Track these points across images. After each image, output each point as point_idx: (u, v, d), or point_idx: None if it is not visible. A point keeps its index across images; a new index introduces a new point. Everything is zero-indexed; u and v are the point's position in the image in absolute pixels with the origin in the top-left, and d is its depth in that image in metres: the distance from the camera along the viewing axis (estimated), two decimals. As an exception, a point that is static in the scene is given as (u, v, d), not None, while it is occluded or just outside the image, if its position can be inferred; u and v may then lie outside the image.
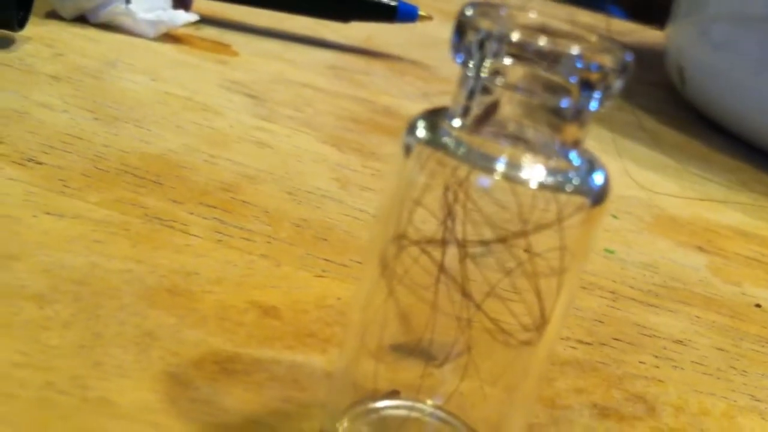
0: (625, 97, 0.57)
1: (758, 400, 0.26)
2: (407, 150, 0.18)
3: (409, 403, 0.21)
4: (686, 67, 0.55)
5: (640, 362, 0.27)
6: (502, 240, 0.18)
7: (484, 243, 0.18)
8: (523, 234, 0.17)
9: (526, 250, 0.18)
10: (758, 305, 0.33)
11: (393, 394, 0.21)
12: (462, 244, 0.19)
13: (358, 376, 0.21)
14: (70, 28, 0.42)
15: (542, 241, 0.18)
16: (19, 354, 0.20)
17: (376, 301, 0.19)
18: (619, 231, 0.36)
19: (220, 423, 0.19)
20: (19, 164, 0.28)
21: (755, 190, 0.46)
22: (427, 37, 0.59)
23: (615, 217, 0.37)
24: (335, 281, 0.26)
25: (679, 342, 0.28)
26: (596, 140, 0.44)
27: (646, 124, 0.53)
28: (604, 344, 0.27)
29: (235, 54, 0.45)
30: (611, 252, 0.34)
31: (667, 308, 0.30)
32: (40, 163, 0.28)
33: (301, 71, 0.45)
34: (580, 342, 0.27)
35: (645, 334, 0.28)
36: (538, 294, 0.18)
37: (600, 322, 0.28)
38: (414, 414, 0.21)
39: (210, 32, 0.47)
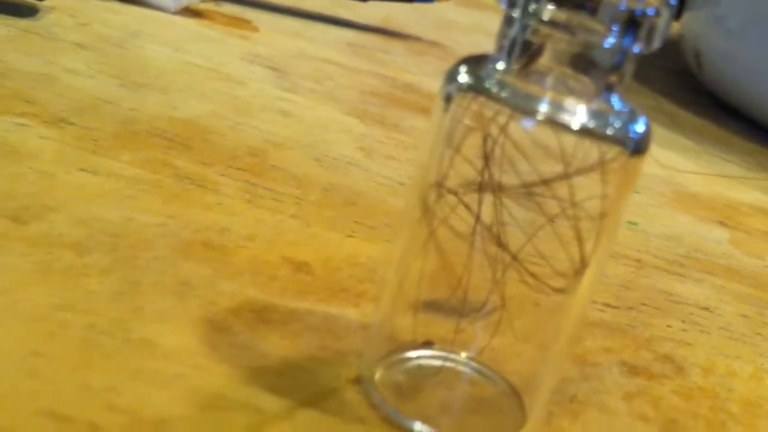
0: (642, 81, 0.57)
1: (785, 365, 0.26)
2: (447, 99, 0.18)
3: (443, 354, 0.21)
4: (703, 52, 0.55)
5: (668, 326, 0.27)
6: (542, 183, 0.18)
7: (522, 187, 0.18)
8: (564, 177, 0.17)
9: (564, 197, 0.18)
10: (781, 277, 0.33)
11: (427, 344, 0.21)
12: (498, 193, 0.19)
13: (393, 327, 0.21)
14: (92, 0, 0.42)
15: (580, 188, 0.18)
16: (60, 298, 0.20)
17: (415, 247, 0.20)
18: (641, 205, 0.36)
19: (260, 366, 0.19)
20: (51, 124, 0.28)
21: (773, 172, 0.46)
22: (444, 19, 0.59)
23: (637, 192, 0.37)
24: (365, 242, 0.27)
25: (705, 309, 0.29)
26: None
27: (664, 107, 0.53)
28: (631, 308, 0.27)
29: (255, 30, 0.45)
30: (634, 224, 0.34)
31: (691, 277, 0.31)
32: (71, 124, 0.29)
33: (322, 48, 0.45)
34: (608, 305, 0.27)
35: (671, 301, 0.28)
36: (578, 236, 0.18)
37: (626, 288, 0.28)
38: (448, 364, 0.21)
39: (230, 9, 0.47)
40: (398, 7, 0.55)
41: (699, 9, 0.56)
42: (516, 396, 0.20)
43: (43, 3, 0.39)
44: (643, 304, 0.28)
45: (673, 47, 0.62)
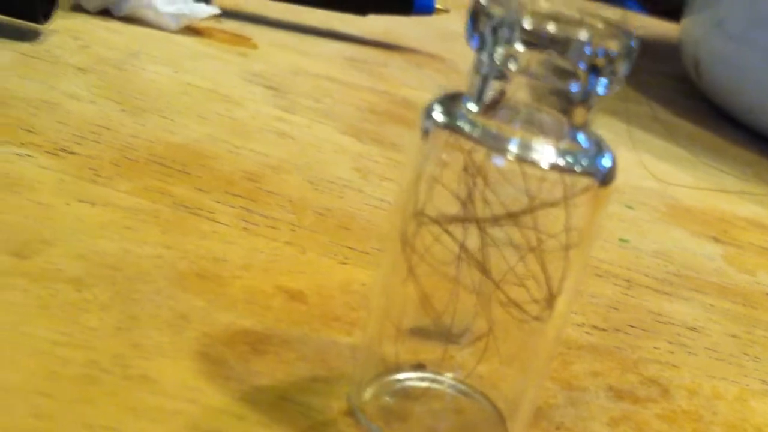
0: (640, 89, 0.57)
1: (770, 385, 0.27)
2: (425, 133, 0.19)
3: (430, 376, 0.22)
4: (702, 59, 0.55)
5: (655, 348, 0.27)
6: (513, 216, 0.18)
7: (496, 219, 0.19)
8: (532, 210, 0.18)
9: (535, 228, 0.19)
10: (771, 294, 0.33)
11: (419, 367, 0.22)
12: (480, 223, 0.19)
13: (381, 351, 0.22)
14: (95, 21, 0.43)
15: (552, 220, 0.19)
16: (59, 334, 0.21)
17: (397, 280, 0.20)
18: (633, 221, 0.37)
19: (253, 400, 0.20)
20: (52, 154, 0.29)
21: (769, 182, 0.46)
22: (444, 30, 0.60)
23: (630, 207, 0.38)
24: (358, 268, 0.27)
25: (693, 329, 0.29)
26: (611, 132, 0.44)
27: (660, 115, 0.53)
28: (618, 330, 0.28)
29: (254, 46, 0.46)
30: (626, 241, 0.34)
31: (681, 296, 0.31)
32: (72, 153, 0.29)
33: (320, 63, 0.46)
34: (595, 328, 0.28)
35: (659, 321, 0.29)
36: (544, 268, 0.19)
37: (615, 308, 0.29)
38: (435, 386, 0.21)
39: (230, 25, 0.48)
40: (398, 20, 0.55)
41: (698, 13, 0.56)
42: (499, 416, 0.21)
43: (46, 26, 0.39)
44: (631, 325, 0.28)
45: (671, 53, 0.62)
